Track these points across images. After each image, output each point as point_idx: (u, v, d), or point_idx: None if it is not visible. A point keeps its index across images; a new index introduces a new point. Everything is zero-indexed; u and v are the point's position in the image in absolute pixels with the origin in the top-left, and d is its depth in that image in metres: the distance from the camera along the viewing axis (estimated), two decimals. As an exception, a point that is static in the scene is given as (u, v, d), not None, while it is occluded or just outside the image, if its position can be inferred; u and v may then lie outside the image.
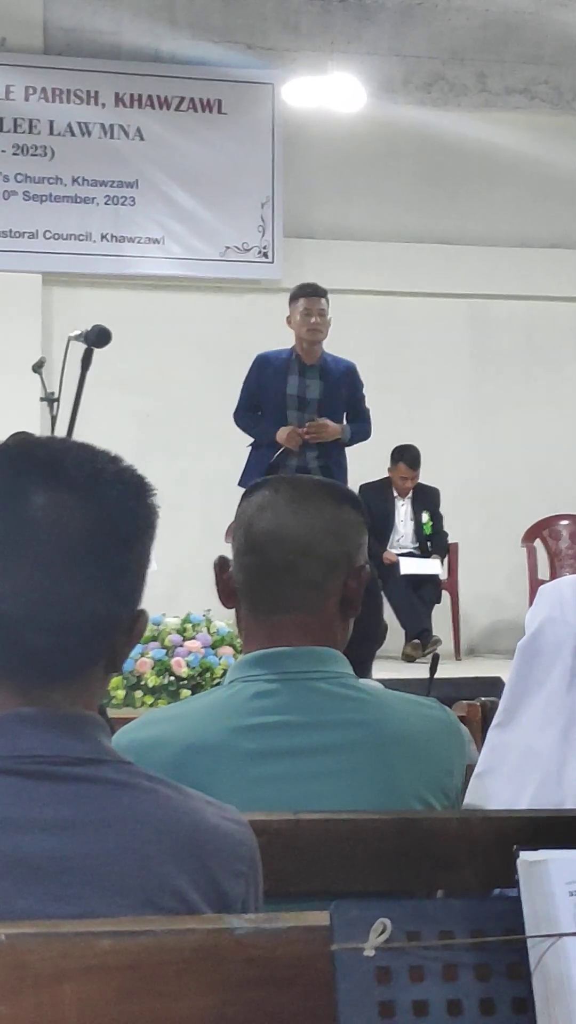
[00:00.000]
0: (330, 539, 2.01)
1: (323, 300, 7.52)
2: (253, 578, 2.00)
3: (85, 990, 1.22)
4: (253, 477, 7.41)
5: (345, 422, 7.56)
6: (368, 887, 1.74)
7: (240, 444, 7.70)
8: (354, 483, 9.29)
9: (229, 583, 2.05)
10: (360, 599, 2.05)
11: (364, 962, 1.20)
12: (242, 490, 8.04)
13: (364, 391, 7.71)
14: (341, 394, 7.53)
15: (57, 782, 1.35)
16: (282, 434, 7.34)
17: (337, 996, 1.19)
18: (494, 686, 3.88)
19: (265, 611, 2.00)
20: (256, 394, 7.56)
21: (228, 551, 2.09)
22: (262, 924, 1.28)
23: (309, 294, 7.53)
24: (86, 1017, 1.22)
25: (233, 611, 2.11)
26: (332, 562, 2.01)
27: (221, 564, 2.06)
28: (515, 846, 1.26)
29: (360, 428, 7.60)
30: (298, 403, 7.45)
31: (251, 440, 7.60)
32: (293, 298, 7.58)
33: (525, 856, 1.24)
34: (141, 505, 1.45)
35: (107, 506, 1.40)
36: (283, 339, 7.69)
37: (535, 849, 1.26)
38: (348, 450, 7.69)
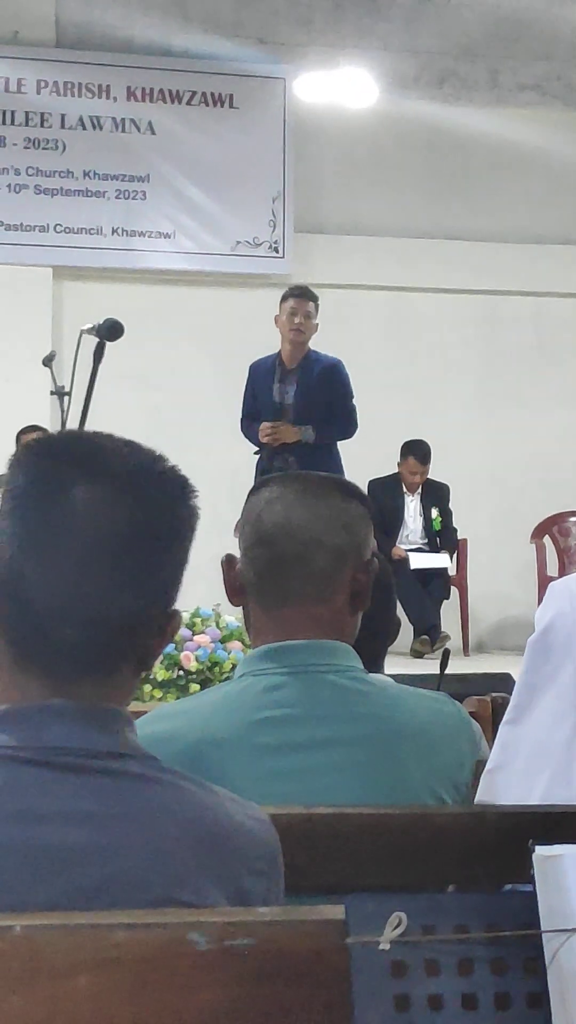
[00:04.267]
0: (340, 531, 2.02)
1: (311, 304, 7.51)
2: (263, 570, 2.00)
3: (99, 982, 1.22)
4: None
5: (328, 421, 7.51)
6: (381, 882, 1.73)
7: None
8: (363, 478, 9.30)
9: (237, 579, 2.04)
10: (369, 592, 2.05)
11: (379, 956, 1.20)
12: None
13: (351, 388, 7.62)
14: (315, 396, 7.49)
15: (81, 775, 1.35)
16: (260, 433, 7.43)
17: (352, 990, 1.19)
18: (504, 682, 3.87)
19: (275, 603, 2.00)
20: (252, 402, 7.63)
21: (235, 547, 2.09)
22: (277, 917, 1.28)
23: (297, 295, 7.54)
24: (100, 1009, 1.22)
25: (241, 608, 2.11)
26: (341, 553, 2.01)
27: (229, 561, 2.06)
28: (530, 841, 1.25)
29: (331, 427, 7.52)
30: (278, 410, 7.48)
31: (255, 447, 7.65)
32: (283, 298, 7.58)
33: (541, 851, 1.24)
34: (182, 505, 1.44)
35: (147, 503, 1.39)
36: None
37: (549, 844, 1.26)
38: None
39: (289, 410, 7.46)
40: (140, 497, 1.39)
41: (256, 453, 7.61)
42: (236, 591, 2.06)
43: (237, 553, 2.08)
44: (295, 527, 1.99)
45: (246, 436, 7.68)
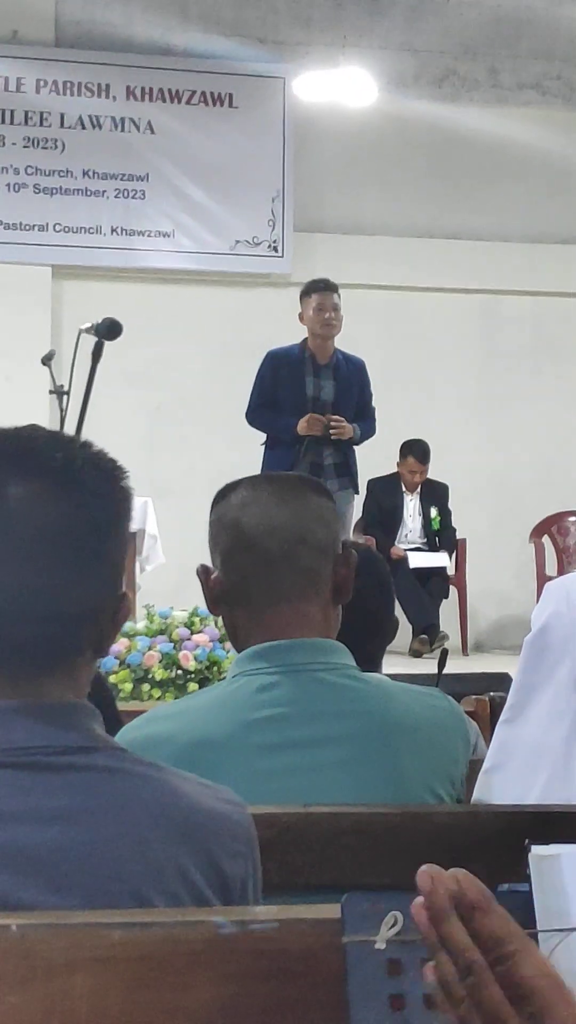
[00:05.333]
0: (319, 526, 2.03)
1: (335, 295, 7.48)
2: (251, 573, 2.00)
3: (95, 981, 1.22)
4: None
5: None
6: (377, 880, 1.73)
7: (249, 437, 7.68)
8: (363, 477, 9.30)
9: (216, 587, 2.04)
10: (351, 585, 2.06)
11: (375, 955, 1.20)
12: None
13: (372, 388, 7.67)
14: (352, 394, 7.50)
15: (51, 772, 1.35)
16: (302, 424, 7.30)
17: (348, 989, 1.19)
18: (502, 681, 3.88)
19: (265, 605, 2.00)
20: (271, 392, 7.49)
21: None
22: (273, 916, 1.28)
23: (322, 289, 7.49)
24: (96, 1008, 1.22)
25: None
26: (324, 549, 2.03)
27: (205, 571, 2.06)
28: (527, 840, 1.26)
29: (367, 427, 7.58)
30: (314, 405, 7.41)
31: (264, 439, 7.54)
32: (305, 293, 7.52)
33: (537, 850, 1.24)
34: (117, 489, 1.45)
35: (83, 492, 1.40)
36: (293, 333, 7.67)
37: (545, 844, 1.26)
38: (361, 444, 7.69)
39: (328, 406, 7.42)
40: (75, 488, 1.40)
41: (264, 444, 7.55)
42: (216, 599, 2.06)
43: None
44: (278, 527, 2.00)
45: (258, 426, 7.54)
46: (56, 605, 1.38)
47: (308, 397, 7.43)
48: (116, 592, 1.44)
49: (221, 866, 1.40)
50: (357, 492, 7.68)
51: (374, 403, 7.68)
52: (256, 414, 7.56)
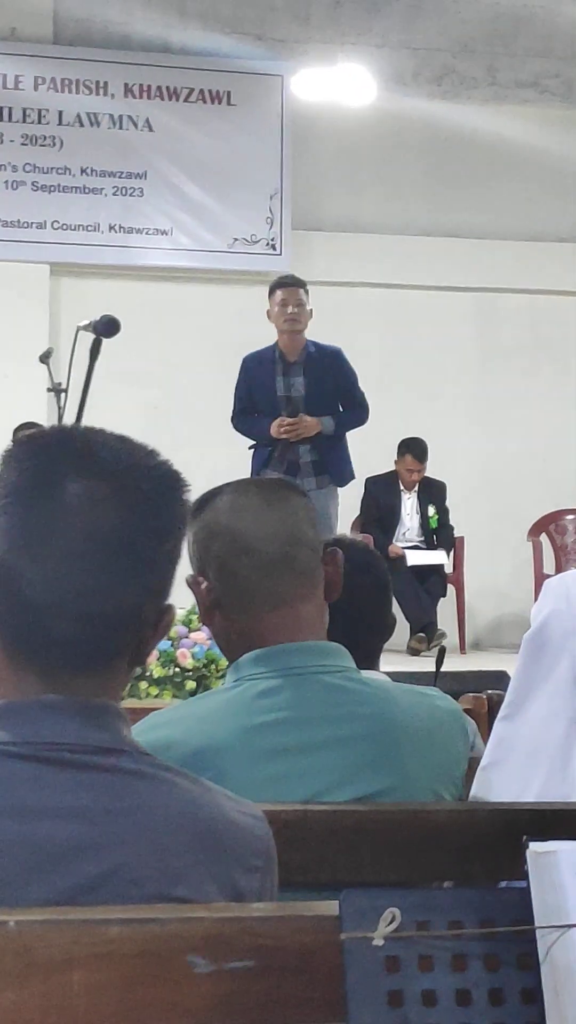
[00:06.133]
0: (309, 527, 2.05)
1: (301, 291, 7.40)
2: (249, 578, 1.99)
3: (93, 977, 1.22)
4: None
5: (340, 411, 7.47)
6: (375, 878, 1.74)
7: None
8: (360, 475, 9.29)
9: (209, 596, 2.03)
10: (340, 582, 2.07)
11: (373, 951, 1.20)
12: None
13: (356, 376, 7.55)
14: (327, 386, 7.43)
15: (76, 770, 1.35)
16: (273, 428, 7.30)
17: (346, 985, 1.19)
18: (500, 680, 3.88)
19: (265, 608, 1.99)
20: (249, 397, 7.49)
21: None
22: (271, 913, 1.28)
23: (287, 284, 7.43)
24: (94, 1004, 1.22)
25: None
26: (315, 549, 2.05)
27: (196, 581, 2.05)
28: (524, 837, 1.26)
29: (348, 416, 7.47)
30: (286, 403, 7.39)
31: (251, 443, 7.54)
32: (271, 291, 7.45)
33: (535, 847, 1.24)
34: (175, 500, 1.44)
35: (141, 498, 1.40)
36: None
37: (543, 841, 1.26)
38: (355, 442, 7.65)
39: (300, 403, 7.38)
40: (133, 492, 1.39)
41: (252, 448, 7.55)
42: (211, 608, 2.04)
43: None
44: (273, 530, 2.00)
45: (241, 431, 7.58)
46: (99, 606, 1.37)
47: (279, 397, 7.40)
48: (161, 602, 1.43)
49: (236, 879, 1.39)
50: (341, 485, 7.57)
51: (363, 387, 7.59)
52: (238, 420, 7.58)
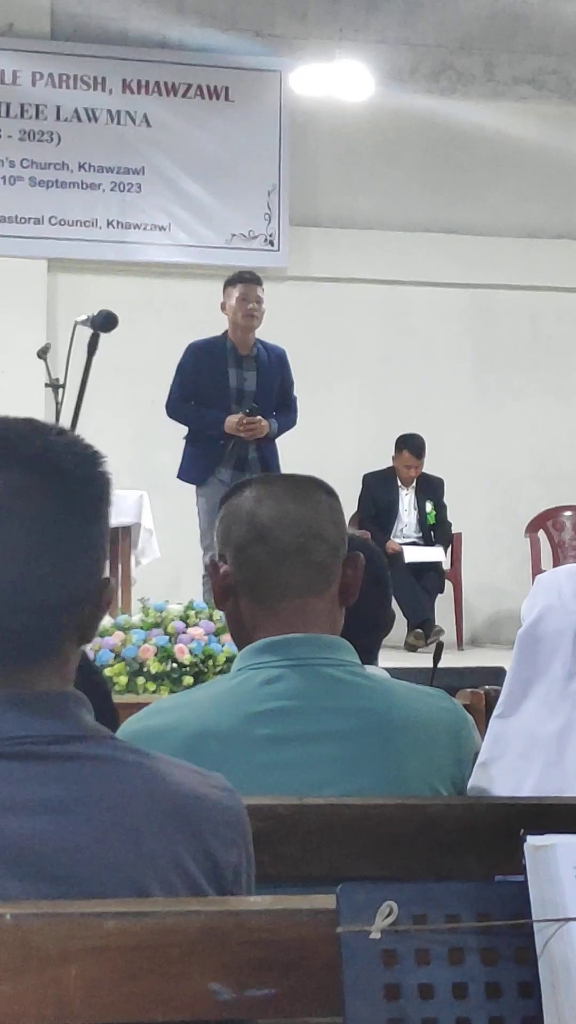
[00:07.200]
0: (331, 524, 2.06)
1: (260, 288, 7.40)
2: (263, 565, 2.01)
3: (89, 970, 1.22)
4: (195, 470, 7.37)
5: (274, 413, 7.47)
6: (372, 872, 1.74)
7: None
8: (358, 471, 9.30)
9: (225, 581, 2.05)
10: (358, 586, 2.07)
11: (370, 945, 1.20)
12: (179, 483, 7.78)
13: (292, 377, 7.57)
14: (274, 385, 7.43)
15: (41, 762, 1.35)
16: (231, 423, 7.23)
17: (343, 979, 1.19)
18: (497, 675, 3.87)
19: (276, 597, 2.01)
20: (193, 384, 7.42)
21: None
22: (268, 906, 1.28)
23: (247, 280, 7.43)
24: (90, 997, 1.22)
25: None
26: (335, 546, 2.05)
27: (214, 565, 2.07)
28: (522, 831, 1.26)
29: (285, 419, 7.48)
30: (237, 396, 7.38)
31: (186, 433, 7.46)
32: (230, 283, 7.43)
33: (532, 840, 1.24)
34: (96, 475, 1.44)
35: (63, 481, 1.39)
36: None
37: (540, 834, 1.26)
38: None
39: (250, 397, 7.37)
40: (54, 477, 1.39)
41: (186, 438, 7.45)
42: (226, 592, 2.06)
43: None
44: (293, 520, 2.01)
45: (180, 419, 7.46)
46: (41, 596, 1.37)
47: (231, 388, 7.38)
48: (99, 578, 1.44)
49: (214, 854, 1.40)
50: None
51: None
52: (176, 406, 7.48)
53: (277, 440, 7.46)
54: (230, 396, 7.35)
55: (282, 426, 7.45)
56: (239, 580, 2.03)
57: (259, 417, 7.23)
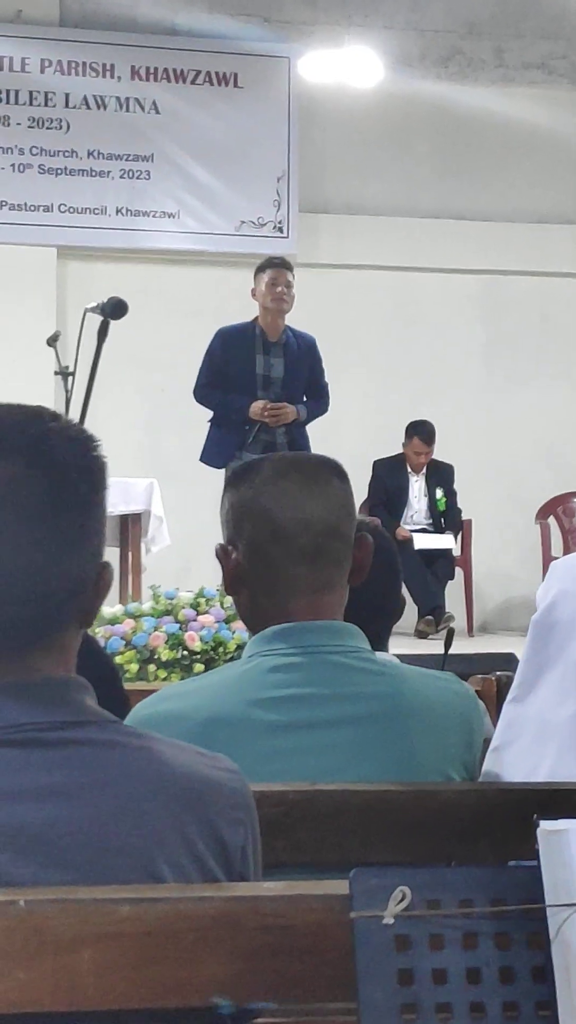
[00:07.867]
0: (347, 517, 2.04)
1: (290, 273, 7.40)
2: (277, 565, 1.99)
3: (103, 956, 1.22)
4: (217, 454, 7.37)
5: (304, 399, 7.48)
6: (384, 858, 1.74)
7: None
8: (368, 458, 9.29)
9: (236, 568, 2.03)
10: (367, 568, 2.06)
11: (383, 930, 1.20)
12: (202, 466, 7.78)
13: (323, 365, 7.58)
14: (302, 372, 7.44)
15: (45, 748, 1.35)
16: (256, 409, 7.26)
17: (356, 964, 1.19)
18: (508, 661, 3.87)
19: (290, 595, 1.99)
20: (221, 371, 7.43)
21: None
22: (281, 892, 1.28)
23: (277, 265, 7.43)
24: (103, 983, 1.22)
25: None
26: (349, 539, 2.03)
27: (224, 552, 2.04)
28: (535, 815, 1.25)
29: (316, 405, 7.51)
30: (263, 382, 7.37)
31: (210, 416, 7.48)
32: (260, 269, 7.44)
33: (545, 825, 1.23)
34: (92, 460, 1.44)
35: (58, 468, 1.39)
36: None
37: (554, 819, 1.26)
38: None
39: (277, 384, 7.38)
40: (49, 464, 1.39)
41: (210, 421, 7.47)
42: (236, 582, 2.04)
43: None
44: (312, 521, 1.99)
45: (209, 404, 7.48)
46: (40, 584, 1.37)
47: (257, 375, 7.38)
48: (97, 562, 1.44)
49: (221, 834, 1.40)
50: None
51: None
52: (204, 392, 7.50)
53: None
54: (256, 382, 7.35)
55: (312, 412, 7.46)
56: (251, 575, 2.02)
57: (284, 403, 7.23)
